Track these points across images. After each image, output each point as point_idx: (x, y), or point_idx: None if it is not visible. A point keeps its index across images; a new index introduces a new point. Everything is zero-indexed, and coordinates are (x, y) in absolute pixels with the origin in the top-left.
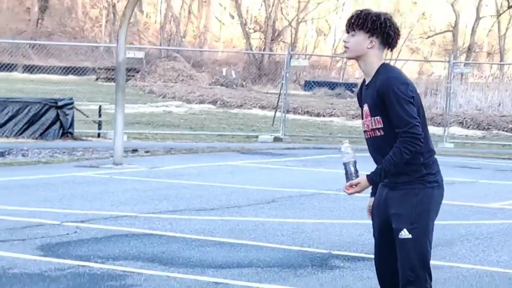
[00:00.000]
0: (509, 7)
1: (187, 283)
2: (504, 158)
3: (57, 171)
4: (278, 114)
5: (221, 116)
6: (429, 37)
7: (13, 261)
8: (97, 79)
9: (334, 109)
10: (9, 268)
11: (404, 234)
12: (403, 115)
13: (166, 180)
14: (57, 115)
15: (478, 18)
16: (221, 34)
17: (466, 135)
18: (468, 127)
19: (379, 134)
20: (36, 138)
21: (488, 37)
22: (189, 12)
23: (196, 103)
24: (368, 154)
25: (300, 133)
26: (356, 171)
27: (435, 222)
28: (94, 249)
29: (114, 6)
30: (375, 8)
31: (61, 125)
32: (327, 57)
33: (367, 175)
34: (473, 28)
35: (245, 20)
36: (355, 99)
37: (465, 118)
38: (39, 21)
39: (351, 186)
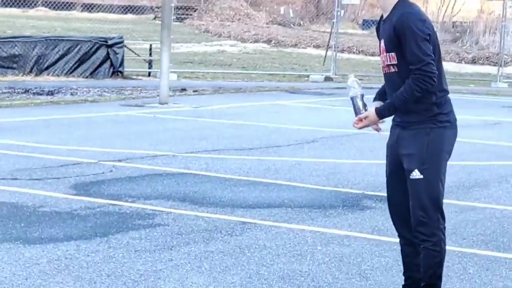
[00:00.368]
0: None
1: (215, 223)
2: None
3: (102, 110)
4: (329, 53)
5: (274, 55)
6: None
7: (45, 199)
8: (154, 18)
9: None
10: (40, 206)
11: (416, 174)
12: (417, 52)
13: (209, 120)
14: (108, 53)
15: None
16: None
17: None
18: None
19: (393, 70)
20: (87, 77)
21: None
22: None
23: (251, 42)
24: None
25: (352, 72)
26: (364, 105)
27: (475, 163)
28: (127, 188)
29: None
30: None
31: (111, 64)
32: None
33: (376, 108)
34: None
35: None
36: None
37: None
38: None
39: (360, 120)
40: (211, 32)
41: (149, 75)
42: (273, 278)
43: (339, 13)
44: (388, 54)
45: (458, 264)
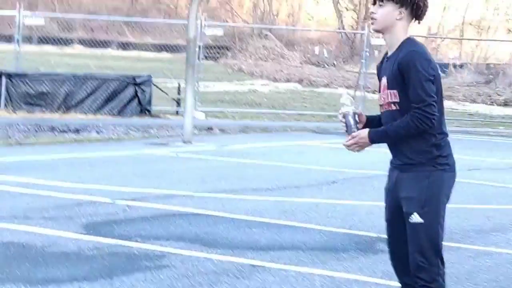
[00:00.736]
0: None
1: (223, 265)
2: None
3: (125, 148)
4: (358, 93)
5: (305, 95)
6: None
7: (54, 239)
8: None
9: None
10: (48, 246)
11: (415, 218)
12: (420, 92)
13: (231, 159)
14: (135, 91)
15: None
16: (314, 13)
17: None
18: None
19: (394, 108)
20: (114, 115)
21: None
22: None
23: (283, 81)
24: None
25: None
26: (356, 122)
27: (495, 207)
28: (138, 228)
29: None
30: None
31: (139, 102)
32: (420, 37)
33: (370, 131)
34: None
35: None
36: (446, 80)
37: None
38: None
39: (351, 137)
40: (244, 71)
41: (177, 113)
42: None
43: (367, 53)
44: (389, 91)
45: None
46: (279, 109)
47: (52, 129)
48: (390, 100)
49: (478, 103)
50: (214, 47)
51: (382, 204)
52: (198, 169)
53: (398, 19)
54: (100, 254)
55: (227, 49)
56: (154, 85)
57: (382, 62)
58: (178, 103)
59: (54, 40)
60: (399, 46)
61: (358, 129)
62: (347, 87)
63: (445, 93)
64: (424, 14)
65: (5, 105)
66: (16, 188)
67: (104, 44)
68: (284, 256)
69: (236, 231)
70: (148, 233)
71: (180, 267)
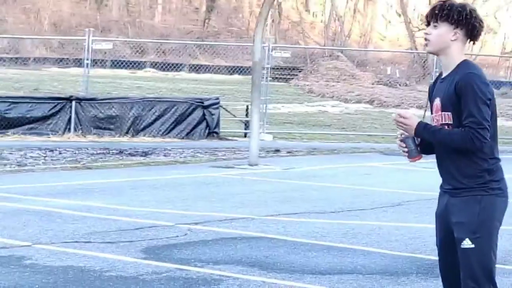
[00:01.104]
0: None
1: None
2: None
3: (191, 171)
4: (428, 113)
5: (375, 115)
6: None
7: (113, 263)
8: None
9: (500, 110)
10: (107, 270)
11: (467, 243)
12: (476, 114)
13: (297, 182)
14: (204, 114)
15: None
16: (387, 33)
17: None
18: None
19: None
20: (183, 138)
21: None
22: (355, 11)
23: (353, 102)
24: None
25: None
26: (416, 145)
27: None
28: (198, 252)
29: (279, 5)
30: None
31: (207, 125)
32: (493, 56)
33: (420, 121)
34: None
35: (409, 19)
36: None
37: None
38: (206, 21)
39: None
40: (314, 92)
41: (245, 136)
42: None
43: (436, 73)
44: (443, 113)
45: None
46: (348, 130)
47: (120, 152)
48: (443, 122)
49: None
50: (285, 68)
51: None
52: (262, 191)
53: (453, 40)
54: (158, 278)
55: (299, 70)
56: (222, 107)
57: (435, 82)
58: (246, 125)
59: (126, 63)
60: (455, 68)
61: (419, 152)
62: (418, 107)
63: None
64: (480, 34)
65: (75, 129)
66: (79, 212)
67: (176, 67)
68: (342, 280)
69: (296, 254)
70: (208, 257)
71: None
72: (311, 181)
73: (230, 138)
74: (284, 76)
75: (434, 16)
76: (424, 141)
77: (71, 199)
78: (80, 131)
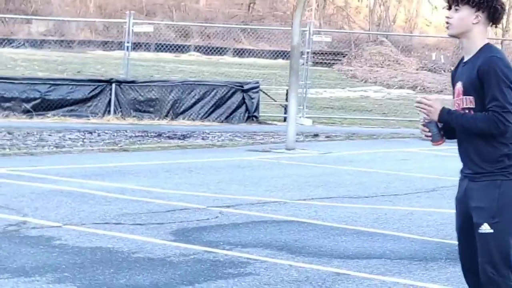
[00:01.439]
0: None
1: (307, 273)
2: None
3: (227, 155)
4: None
5: None
6: None
7: (142, 245)
8: (302, 64)
9: None
10: (135, 252)
11: (485, 228)
12: (500, 98)
13: (332, 166)
14: (243, 98)
15: None
16: (432, 18)
17: None
18: None
19: None
20: (222, 122)
21: None
22: None
23: (396, 88)
24: None
25: None
26: (439, 129)
27: None
28: (228, 235)
29: None
30: None
31: (247, 109)
32: None
33: (444, 107)
34: None
35: None
36: None
37: None
38: (251, 5)
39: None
40: (357, 78)
41: (284, 120)
42: None
43: None
44: (465, 97)
45: None
46: (389, 115)
47: (159, 135)
48: (465, 105)
49: None
50: (329, 53)
51: None
52: (297, 175)
53: (474, 23)
54: (185, 261)
55: (342, 55)
56: (262, 91)
57: (457, 67)
58: (285, 109)
59: (171, 47)
60: (477, 52)
61: (442, 136)
62: None
63: None
64: (502, 17)
65: (115, 111)
66: (112, 193)
67: (220, 51)
68: (370, 264)
69: (326, 239)
70: (237, 240)
71: (263, 274)
72: (347, 165)
73: (269, 122)
74: (328, 61)
75: None
76: (446, 125)
77: (105, 181)
78: (120, 114)
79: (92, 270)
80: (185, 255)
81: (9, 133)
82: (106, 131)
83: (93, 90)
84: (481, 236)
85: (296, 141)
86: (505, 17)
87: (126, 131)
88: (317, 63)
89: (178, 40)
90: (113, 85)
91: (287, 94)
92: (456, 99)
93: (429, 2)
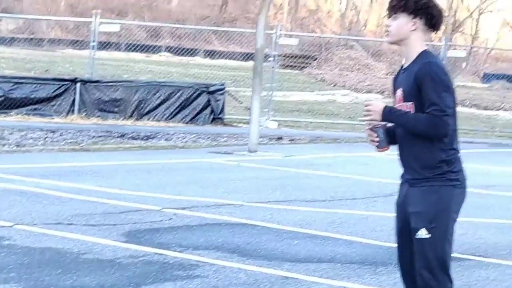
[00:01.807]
0: None
1: (256, 276)
2: None
3: (188, 157)
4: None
5: None
6: None
7: (92, 246)
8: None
9: (503, 103)
10: (84, 253)
11: (422, 233)
12: (438, 102)
13: (293, 169)
14: (208, 100)
15: None
16: None
17: None
18: None
19: None
20: (187, 123)
21: None
22: (372, 1)
23: (364, 92)
24: None
25: (460, 126)
26: (386, 136)
27: None
28: (180, 237)
29: None
30: None
31: (212, 111)
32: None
33: (385, 105)
34: None
35: None
36: None
37: None
38: (223, 6)
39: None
40: (326, 81)
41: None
42: None
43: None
44: (406, 103)
45: None
46: (355, 119)
47: (122, 136)
48: (406, 111)
49: None
50: (299, 57)
51: None
52: (256, 178)
53: (412, 30)
54: (134, 262)
55: (313, 59)
56: (228, 93)
57: (398, 74)
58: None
59: (141, 47)
60: (415, 58)
61: (388, 143)
62: None
63: None
64: (440, 23)
65: (79, 111)
66: (68, 194)
67: (191, 52)
68: (320, 268)
69: (278, 242)
70: (189, 242)
71: (212, 277)
72: (308, 169)
73: (235, 124)
74: (298, 64)
75: (393, 7)
76: (389, 132)
77: (62, 181)
78: (84, 113)
79: (39, 270)
80: (135, 257)
81: None
82: (69, 131)
83: (57, 89)
84: (418, 241)
85: (260, 143)
86: (474, 24)
87: (90, 131)
88: (287, 66)
89: (149, 40)
90: (78, 84)
91: None
92: (397, 106)
93: None
